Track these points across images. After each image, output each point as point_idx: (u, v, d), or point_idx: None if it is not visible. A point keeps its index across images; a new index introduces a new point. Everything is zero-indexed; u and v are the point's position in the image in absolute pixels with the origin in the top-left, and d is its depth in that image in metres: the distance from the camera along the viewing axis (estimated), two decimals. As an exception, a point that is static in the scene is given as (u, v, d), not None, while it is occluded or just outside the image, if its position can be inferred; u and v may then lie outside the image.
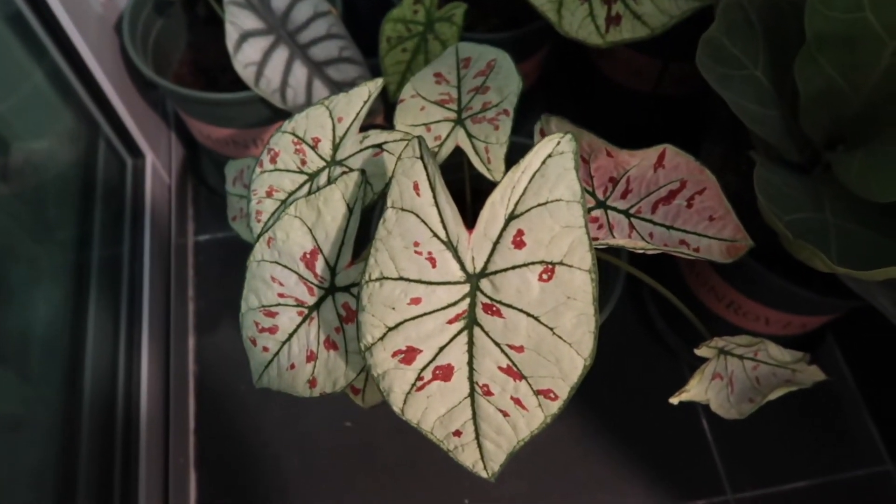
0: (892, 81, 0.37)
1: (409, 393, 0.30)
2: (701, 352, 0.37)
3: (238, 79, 0.49)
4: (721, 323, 0.53)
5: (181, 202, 0.64)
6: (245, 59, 0.47)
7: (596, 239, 0.35)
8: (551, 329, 0.28)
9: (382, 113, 0.53)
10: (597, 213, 0.36)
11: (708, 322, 0.51)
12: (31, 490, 0.42)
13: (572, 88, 0.74)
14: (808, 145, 0.40)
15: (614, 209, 0.36)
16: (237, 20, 0.47)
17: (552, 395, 0.29)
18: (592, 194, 0.36)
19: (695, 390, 0.39)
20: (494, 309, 0.29)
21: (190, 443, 0.54)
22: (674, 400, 0.37)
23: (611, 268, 0.43)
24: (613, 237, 0.36)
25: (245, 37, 0.47)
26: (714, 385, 0.39)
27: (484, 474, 0.31)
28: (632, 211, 0.36)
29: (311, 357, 0.36)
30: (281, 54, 0.48)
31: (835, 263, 0.33)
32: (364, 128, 0.38)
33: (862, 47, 0.37)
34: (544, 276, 0.28)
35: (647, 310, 0.62)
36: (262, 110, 0.53)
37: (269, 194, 0.38)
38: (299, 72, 0.48)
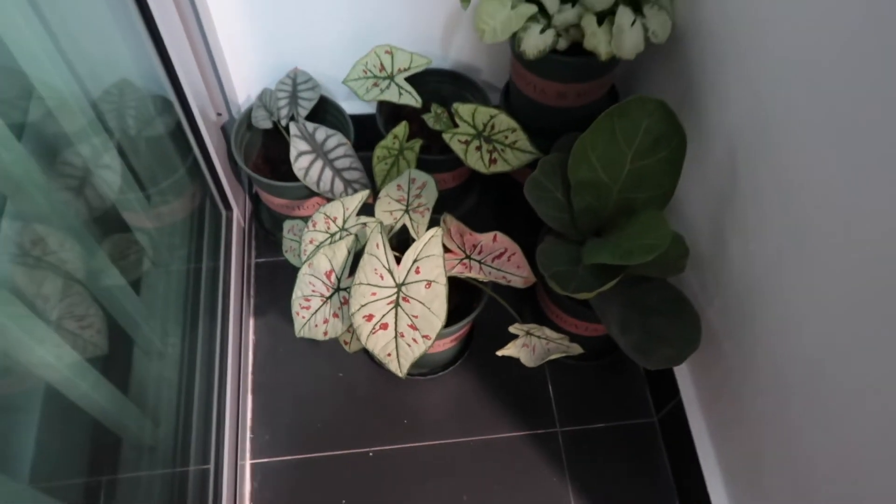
0: (618, 210, 0.76)
1: (369, 335, 0.68)
2: (513, 329, 0.75)
3: (290, 170, 0.87)
4: (552, 324, 0.91)
5: (249, 238, 1.03)
6: (299, 166, 0.86)
7: (462, 272, 0.73)
8: (429, 308, 0.66)
9: (371, 198, 0.92)
10: (465, 261, 0.74)
11: (546, 322, 0.89)
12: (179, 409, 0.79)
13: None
14: (581, 233, 0.78)
15: (474, 259, 0.74)
16: (297, 145, 0.86)
17: (428, 337, 0.67)
18: (463, 250, 0.75)
19: (511, 351, 0.76)
20: (406, 299, 0.67)
21: (249, 379, 0.92)
22: (499, 353, 0.75)
23: (477, 289, 0.81)
24: (471, 272, 0.74)
25: (299, 154, 0.86)
26: (524, 349, 0.77)
27: (399, 373, 0.68)
28: (482, 260, 0.74)
29: (325, 321, 0.73)
30: (318, 164, 0.86)
31: (568, 292, 0.71)
32: (360, 211, 0.77)
33: (600, 189, 0.75)
34: (427, 286, 0.66)
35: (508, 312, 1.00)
36: (303, 191, 0.92)
37: (311, 242, 0.77)
38: (327, 175, 0.87)
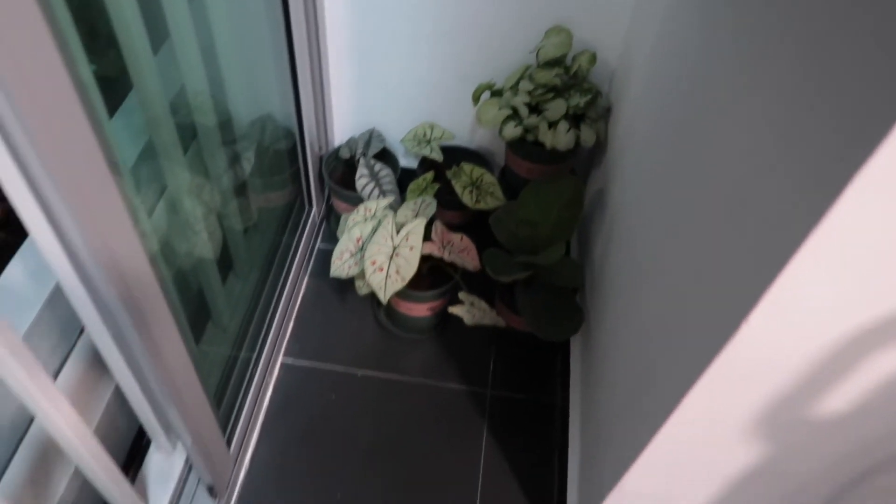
0: (546, 239, 1.20)
1: (372, 274, 1.13)
2: (461, 295, 1.18)
3: (354, 186, 1.37)
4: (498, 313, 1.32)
5: (318, 230, 1.53)
6: (360, 184, 1.36)
7: (433, 252, 1.18)
8: (408, 261, 1.11)
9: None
10: (440, 248, 1.20)
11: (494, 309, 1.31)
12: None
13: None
14: (522, 251, 1.22)
15: (446, 248, 1.19)
16: (361, 171, 1.37)
17: (404, 279, 1.11)
18: (441, 242, 1.20)
19: (457, 310, 1.19)
20: (397, 255, 1.12)
21: (295, 312, 1.38)
22: (450, 309, 1.18)
23: (451, 279, 1.26)
24: (443, 255, 1.19)
25: (361, 176, 1.36)
26: (466, 313, 1.19)
27: (383, 300, 1.12)
28: (451, 250, 1.19)
29: (349, 267, 1.19)
30: (371, 184, 1.36)
31: (497, 275, 1.14)
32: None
33: (535, 226, 1.20)
34: (410, 249, 1.11)
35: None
36: (359, 200, 1.41)
37: (352, 221, 1.25)
38: (375, 191, 1.36)
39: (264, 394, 1.24)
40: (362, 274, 1.17)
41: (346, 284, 1.42)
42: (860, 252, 0.48)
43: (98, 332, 0.78)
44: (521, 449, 1.21)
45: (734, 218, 0.61)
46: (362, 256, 1.16)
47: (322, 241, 1.52)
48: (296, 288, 1.39)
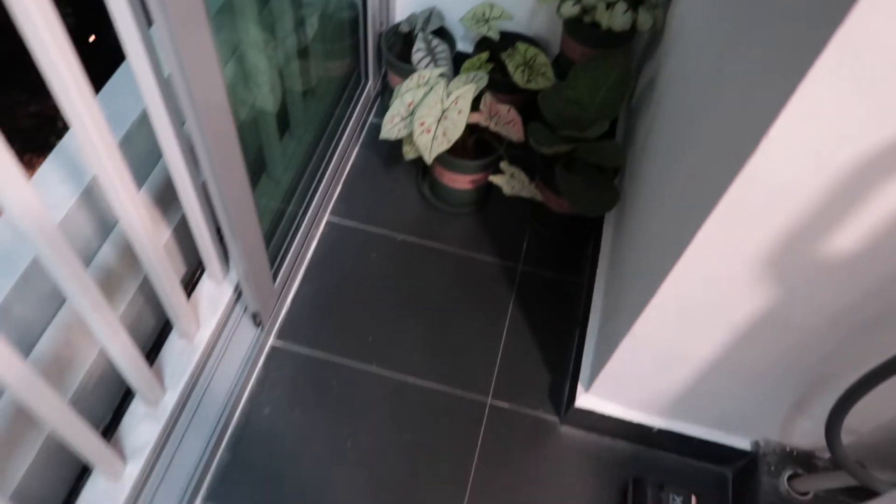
0: (591, 119, 1.22)
1: (420, 135, 1.18)
2: (502, 166, 1.22)
3: (410, 59, 1.41)
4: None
5: (372, 104, 1.57)
6: (416, 58, 1.39)
7: (480, 121, 1.22)
8: (455, 124, 1.15)
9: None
10: (488, 120, 1.23)
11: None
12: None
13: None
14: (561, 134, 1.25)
15: (493, 119, 1.23)
16: (419, 45, 1.40)
17: (450, 140, 1.16)
18: (489, 113, 1.24)
19: (498, 179, 1.23)
20: (446, 117, 1.16)
21: (344, 175, 1.45)
22: (490, 178, 1.23)
23: (494, 143, 1.30)
24: (489, 125, 1.23)
25: (418, 50, 1.39)
26: (506, 183, 1.24)
27: (428, 160, 1.17)
28: (497, 121, 1.23)
29: (399, 131, 1.24)
30: (427, 58, 1.39)
31: (538, 146, 1.18)
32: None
33: (583, 105, 1.22)
34: (458, 113, 1.15)
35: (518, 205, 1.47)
36: (412, 70, 1.45)
37: (406, 88, 1.29)
38: (431, 64, 1.39)
39: (309, 244, 1.32)
40: (410, 138, 1.22)
41: (394, 158, 1.48)
42: (876, 70, 0.50)
43: (175, 159, 0.87)
44: (543, 322, 1.27)
45: (757, 36, 0.63)
46: (412, 120, 1.21)
47: (375, 115, 1.57)
48: (346, 155, 1.45)
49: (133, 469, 0.96)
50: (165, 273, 0.92)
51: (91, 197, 0.90)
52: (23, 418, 0.84)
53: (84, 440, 0.83)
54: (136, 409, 1.01)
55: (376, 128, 1.54)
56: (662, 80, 1.15)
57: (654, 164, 1.05)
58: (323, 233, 1.35)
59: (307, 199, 1.33)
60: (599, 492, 1.10)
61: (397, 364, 1.19)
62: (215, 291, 1.14)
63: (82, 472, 0.96)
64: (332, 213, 1.38)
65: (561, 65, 1.43)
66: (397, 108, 1.24)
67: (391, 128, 1.23)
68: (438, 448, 1.11)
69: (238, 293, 1.16)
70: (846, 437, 0.81)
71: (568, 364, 1.22)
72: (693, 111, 0.88)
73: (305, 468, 1.07)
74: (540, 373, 1.21)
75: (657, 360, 0.91)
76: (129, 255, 0.97)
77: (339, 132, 1.44)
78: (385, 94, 1.60)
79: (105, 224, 0.95)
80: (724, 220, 0.67)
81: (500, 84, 1.40)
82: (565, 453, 1.13)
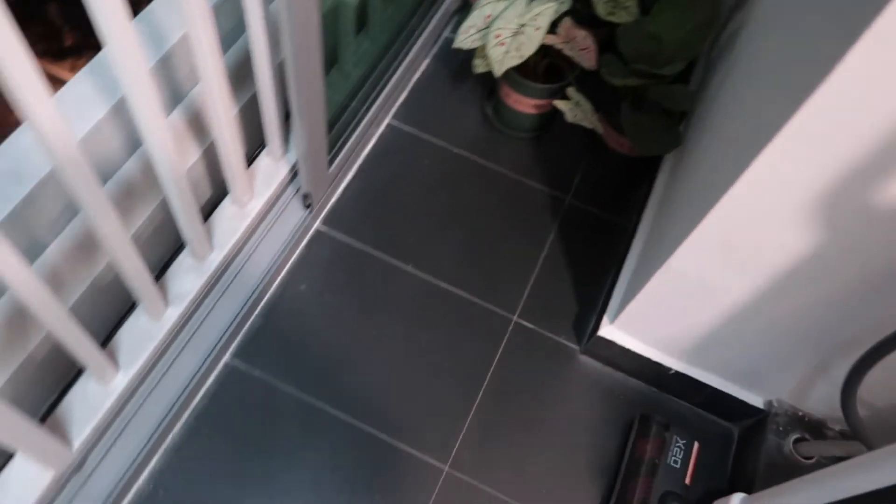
0: (666, 59, 1.20)
1: (493, 47, 1.18)
2: (569, 92, 1.22)
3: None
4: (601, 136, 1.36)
5: (450, 17, 1.57)
6: (502, -28, 1.38)
7: (555, 43, 1.21)
8: (530, 40, 1.15)
9: None
10: (563, 44, 1.22)
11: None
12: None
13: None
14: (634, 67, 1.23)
15: (568, 43, 1.22)
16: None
17: (522, 56, 1.16)
18: (566, 37, 1.23)
19: (562, 104, 1.23)
20: (521, 32, 1.16)
21: (406, 91, 1.46)
22: (554, 102, 1.23)
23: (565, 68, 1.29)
24: (563, 48, 1.22)
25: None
26: (569, 109, 1.24)
27: (496, 73, 1.18)
28: (572, 47, 1.22)
29: (474, 41, 1.24)
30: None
31: (610, 77, 1.17)
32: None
33: (662, 43, 1.20)
34: (535, 29, 1.15)
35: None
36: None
37: (487, 1, 1.28)
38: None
39: (367, 142, 1.35)
40: (483, 50, 1.22)
41: (462, 74, 1.48)
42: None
43: (258, 37, 0.89)
44: (581, 256, 1.29)
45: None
46: (487, 33, 1.21)
47: (451, 31, 1.57)
48: (416, 63, 1.46)
49: (173, 312, 1.02)
50: (231, 140, 0.97)
51: (168, 64, 0.94)
52: (88, 247, 0.90)
53: (138, 277, 0.89)
54: (184, 260, 1.06)
55: (449, 43, 1.54)
56: (745, 32, 1.12)
57: (721, 114, 1.03)
58: (382, 133, 1.37)
59: (372, 98, 1.35)
60: (606, 422, 1.13)
61: (432, 268, 1.22)
62: (272, 168, 1.18)
63: (130, 309, 1.02)
64: (393, 116, 1.40)
65: (647, 2, 1.40)
66: (475, 19, 1.24)
67: (466, 38, 1.23)
68: (458, 351, 1.15)
69: (293, 175, 1.20)
70: (861, 411, 0.81)
71: (597, 299, 1.23)
72: (767, 53, 0.86)
73: (330, 345, 1.13)
74: (568, 303, 1.23)
75: (687, 296, 0.92)
76: (197, 121, 1.01)
77: (413, 39, 1.44)
78: (463, 13, 1.59)
79: (178, 93, 0.99)
80: (781, 152, 0.66)
81: (580, 14, 1.38)
82: (579, 380, 1.16)
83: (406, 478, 1.04)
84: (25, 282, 0.67)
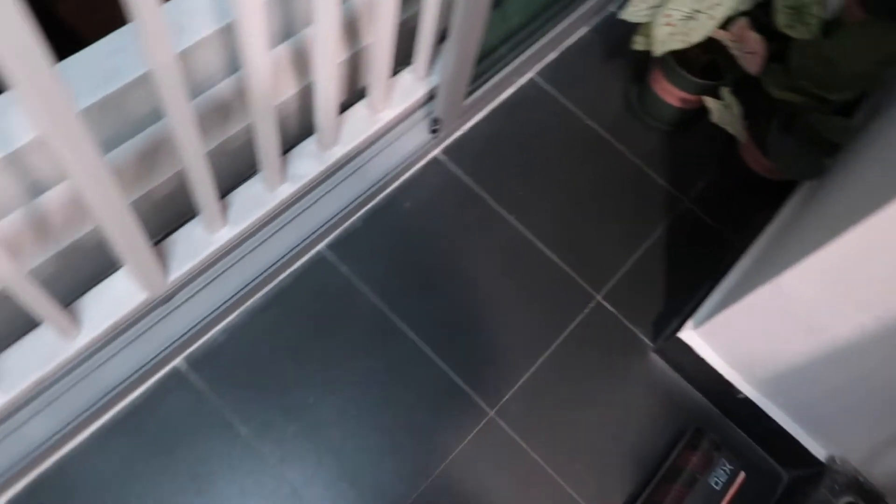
0: (838, 87, 1.14)
1: (661, 27, 1.15)
2: (722, 92, 1.18)
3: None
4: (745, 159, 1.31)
5: (620, -6, 1.55)
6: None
7: (723, 38, 1.17)
8: (702, 27, 1.12)
9: None
10: (732, 42, 1.18)
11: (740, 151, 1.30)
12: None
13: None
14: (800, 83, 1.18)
15: (740, 44, 1.18)
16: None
17: (688, 41, 1.13)
18: (735, 35, 1.18)
19: (711, 103, 1.20)
20: (695, 19, 1.13)
21: (555, 52, 1.45)
22: (704, 99, 1.19)
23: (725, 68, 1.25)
24: (729, 46, 1.18)
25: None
26: (718, 110, 1.20)
27: (656, 52, 1.15)
28: (741, 48, 1.18)
29: (642, 15, 1.22)
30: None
31: (770, 87, 1.12)
32: None
33: (837, 68, 1.14)
34: (710, 18, 1.11)
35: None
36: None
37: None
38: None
39: (506, 89, 1.36)
40: (648, 28, 1.20)
41: (616, 52, 1.46)
42: None
43: None
44: (682, 260, 1.26)
45: None
46: (659, 11, 1.18)
47: (616, 6, 1.54)
48: (573, 27, 1.45)
49: (287, 189, 1.07)
50: (386, 47, 1.00)
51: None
52: (225, 110, 0.95)
53: (269, 146, 0.94)
54: (307, 145, 1.11)
55: (610, 18, 1.52)
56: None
57: (879, 150, 0.98)
58: (523, 85, 1.38)
59: (522, 48, 1.35)
60: (657, 423, 1.11)
61: (532, 225, 1.23)
62: (412, 86, 1.21)
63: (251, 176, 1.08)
64: (538, 73, 1.40)
65: (830, 24, 1.33)
66: (647, -4, 1.21)
67: (635, 10, 1.21)
68: (534, 311, 1.16)
69: (429, 98, 1.22)
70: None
71: (685, 305, 1.21)
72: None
73: (417, 266, 1.16)
74: (654, 299, 1.21)
75: (784, 320, 0.89)
76: (355, 24, 1.04)
77: (577, 2, 1.43)
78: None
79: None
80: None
81: (757, 19, 1.33)
82: (643, 376, 1.14)
83: (451, 409, 1.07)
84: (183, 112, 0.73)
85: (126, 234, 0.82)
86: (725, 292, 1.09)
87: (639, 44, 1.25)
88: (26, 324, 0.91)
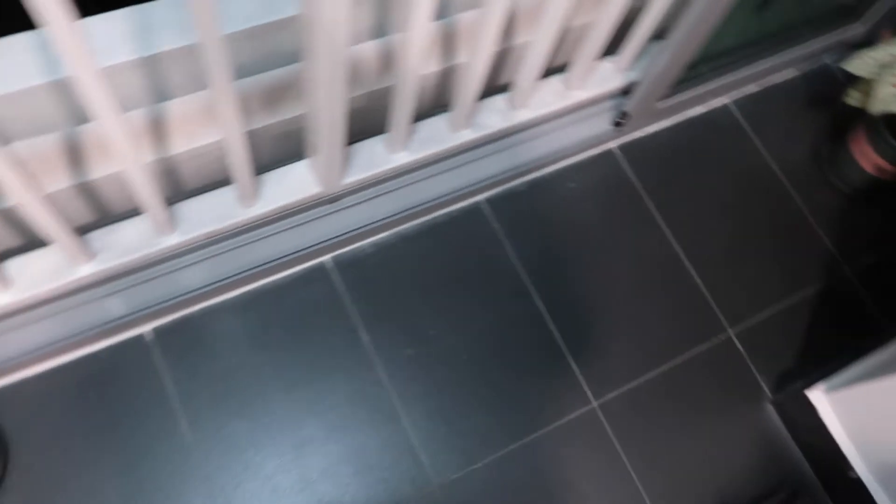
0: None
1: (883, 87, 1.11)
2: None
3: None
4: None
5: (852, 46, 1.49)
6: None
7: None
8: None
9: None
10: None
11: None
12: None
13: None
14: None
15: None
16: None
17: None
18: None
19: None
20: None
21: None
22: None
23: None
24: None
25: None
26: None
27: (873, 110, 1.11)
28: None
29: (867, 71, 1.17)
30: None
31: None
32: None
33: None
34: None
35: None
36: None
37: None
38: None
39: (697, 105, 1.35)
40: (868, 85, 1.16)
41: (820, 102, 1.41)
42: None
43: None
44: (829, 326, 1.22)
45: None
46: (886, 71, 1.14)
47: (832, 59, 1.48)
48: (781, 66, 1.41)
49: (468, 134, 1.11)
50: (602, 30, 1.02)
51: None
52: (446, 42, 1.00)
53: (470, 92, 0.99)
54: (496, 102, 1.15)
55: (823, 69, 1.47)
56: None
57: None
58: (715, 108, 1.36)
59: (723, 71, 1.33)
60: (752, 473, 1.09)
61: (684, 242, 1.22)
62: (610, 74, 1.22)
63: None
64: (734, 100, 1.38)
65: None
66: (880, 52, 1.17)
67: (861, 64, 1.17)
68: (663, 324, 1.15)
69: (623, 91, 1.23)
70: None
71: (816, 370, 1.16)
72: None
73: (564, 243, 1.18)
74: (786, 354, 1.18)
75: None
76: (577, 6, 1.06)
77: (792, 44, 1.39)
78: (862, 46, 1.50)
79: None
80: None
81: None
82: (752, 422, 1.12)
83: (556, 386, 1.08)
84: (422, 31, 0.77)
85: (332, 126, 0.88)
86: (872, 367, 1.05)
87: (853, 98, 1.21)
88: (216, 180, 1.00)
